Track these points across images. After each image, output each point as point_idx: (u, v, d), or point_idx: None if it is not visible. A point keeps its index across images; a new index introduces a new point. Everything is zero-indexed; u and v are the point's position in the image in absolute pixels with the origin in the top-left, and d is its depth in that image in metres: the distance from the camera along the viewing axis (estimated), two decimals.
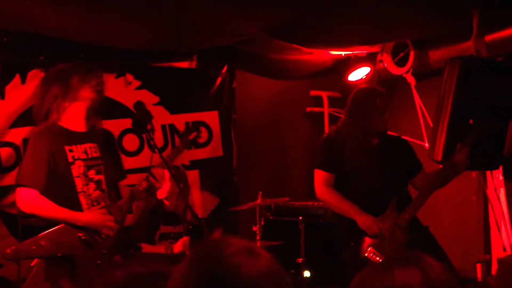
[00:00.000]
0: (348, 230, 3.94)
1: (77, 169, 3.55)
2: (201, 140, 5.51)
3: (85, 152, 3.62)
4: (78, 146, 3.60)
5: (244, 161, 5.74)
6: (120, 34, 4.87)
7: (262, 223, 4.77)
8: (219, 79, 5.66)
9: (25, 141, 4.73)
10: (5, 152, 4.67)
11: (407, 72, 5.53)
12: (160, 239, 4.47)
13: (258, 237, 4.70)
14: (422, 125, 5.50)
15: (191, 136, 3.84)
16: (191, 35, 4.97)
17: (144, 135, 3.53)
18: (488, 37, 4.63)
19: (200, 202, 5.42)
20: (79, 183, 3.54)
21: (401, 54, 5.56)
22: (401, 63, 5.59)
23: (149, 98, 5.17)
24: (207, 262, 1.26)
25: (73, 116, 3.66)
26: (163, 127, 5.30)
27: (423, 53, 5.40)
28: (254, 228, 4.74)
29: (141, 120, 3.53)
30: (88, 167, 3.60)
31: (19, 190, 3.50)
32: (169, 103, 5.40)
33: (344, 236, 3.99)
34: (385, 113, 4.05)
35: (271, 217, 4.94)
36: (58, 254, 3.50)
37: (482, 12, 4.38)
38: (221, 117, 5.62)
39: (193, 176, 5.32)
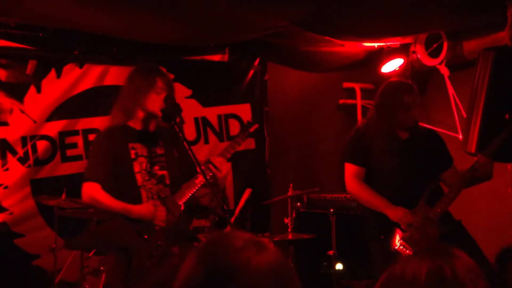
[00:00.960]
0: (378, 223, 3.92)
1: (139, 165, 3.62)
2: (234, 133, 5.56)
3: (149, 149, 3.68)
4: (142, 143, 3.66)
5: (277, 153, 5.75)
6: (153, 30, 4.92)
7: (294, 215, 4.78)
8: (251, 72, 5.68)
9: (60, 134, 4.84)
10: (42, 145, 4.78)
11: (440, 63, 5.46)
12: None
13: (289, 229, 4.71)
14: (456, 117, 5.44)
15: (252, 129, 3.82)
16: (222, 29, 4.99)
17: (175, 128, 3.53)
18: None
19: (233, 195, 5.46)
20: (139, 178, 3.61)
21: (435, 45, 5.50)
22: (434, 54, 5.52)
23: (182, 91, 5.22)
24: (217, 255, 1.26)
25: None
26: (196, 120, 5.36)
27: (457, 44, 5.33)
28: (286, 221, 4.75)
29: (170, 113, 3.55)
30: (152, 164, 3.66)
31: (84, 184, 3.60)
32: (202, 96, 5.45)
33: (374, 229, 3.97)
34: (413, 109, 3.97)
35: (302, 209, 4.94)
36: (115, 246, 3.58)
37: None
38: (253, 109, 5.65)
39: (225, 169, 5.36)
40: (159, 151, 3.69)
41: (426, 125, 4.46)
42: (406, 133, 4.03)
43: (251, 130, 3.81)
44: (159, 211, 3.53)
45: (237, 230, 1.35)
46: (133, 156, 3.60)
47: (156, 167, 3.65)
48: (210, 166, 3.59)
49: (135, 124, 3.65)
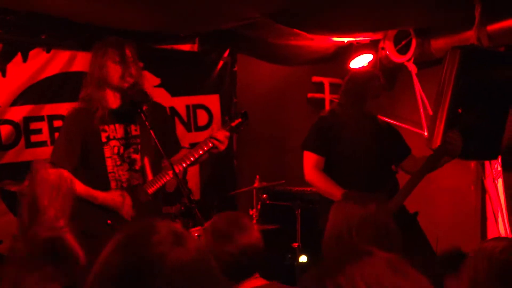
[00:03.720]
0: None
1: (110, 149, 3.55)
2: (202, 123, 5.54)
3: (125, 129, 3.61)
4: (115, 125, 3.58)
5: (244, 145, 5.76)
6: (123, 16, 4.87)
7: (259, 207, 4.79)
8: (220, 63, 5.66)
9: (25, 119, 4.77)
10: (6, 130, 4.69)
11: (408, 60, 5.53)
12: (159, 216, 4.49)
13: (254, 221, 4.73)
14: (422, 114, 5.51)
15: (234, 123, 3.78)
16: (193, 18, 4.97)
17: (142, 115, 3.49)
18: (490, 27, 4.62)
19: (198, 184, 5.45)
20: (109, 163, 3.54)
21: (403, 42, 5.56)
22: (403, 51, 5.58)
23: (150, 80, 5.18)
24: (134, 246, 1.22)
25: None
26: (164, 107, 5.31)
27: (425, 42, 5.39)
28: (251, 212, 4.77)
29: (137, 101, 3.52)
30: (126, 146, 3.59)
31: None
32: (170, 85, 5.41)
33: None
34: (379, 96, 4.06)
35: (268, 201, 4.96)
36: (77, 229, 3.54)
37: (484, 3, 4.38)
38: (222, 100, 5.63)
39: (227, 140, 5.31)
40: (135, 132, 3.64)
41: (386, 119, 4.52)
42: (368, 123, 4.09)
43: (233, 124, 3.77)
44: (126, 202, 3.49)
45: (159, 221, 1.29)
46: (104, 139, 3.55)
47: (131, 149, 3.61)
48: (213, 140, 3.57)
49: (109, 103, 3.59)
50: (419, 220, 4.08)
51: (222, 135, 3.62)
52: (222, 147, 3.66)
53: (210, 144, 3.61)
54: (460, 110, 3.99)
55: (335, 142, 4.05)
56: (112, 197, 3.50)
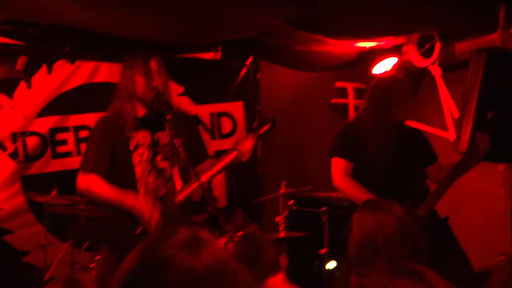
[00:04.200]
0: None
1: (138, 157, 3.56)
2: (226, 131, 5.55)
3: (153, 137, 3.62)
4: (144, 131, 3.60)
5: (269, 152, 5.74)
6: (145, 27, 4.89)
7: (286, 213, 4.76)
8: (243, 70, 5.66)
9: (51, 130, 4.81)
10: (32, 141, 4.74)
11: (433, 63, 5.48)
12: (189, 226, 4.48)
13: (281, 228, 4.70)
14: (448, 117, 5.45)
15: (262, 130, 3.75)
16: (214, 27, 4.97)
17: (166, 125, 3.49)
18: None
19: (224, 192, 5.45)
20: (138, 171, 3.56)
21: (427, 46, 5.51)
22: (427, 54, 5.53)
23: (174, 89, 5.19)
24: (151, 251, 1.22)
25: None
26: (191, 116, 5.32)
27: (449, 45, 5.34)
28: (278, 219, 4.74)
29: (160, 110, 3.53)
30: (155, 153, 3.61)
31: (80, 174, 3.56)
32: (194, 93, 5.43)
33: None
34: (406, 102, 4.01)
35: (294, 208, 4.92)
36: (108, 241, 3.57)
37: (509, 5, 4.32)
38: (246, 108, 5.64)
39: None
40: (163, 140, 3.65)
41: (412, 123, 4.47)
42: (395, 129, 4.05)
43: (261, 132, 3.74)
44: (154, 212, 3.48)
45: (176, 228, 1.27)
46: (131, 147, 3.56)
47: (159, 157, 3.61)
48: (236, 152, 3.56)
49: (137, 112, 3.61)
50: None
51: (246, 148, 3.61)
52: (244, 159, 3.65)
53: (232, 157, 3.60)
54: (490, 114, 3.94)
55: (361, 148, 4.02)
56: (140, 204, 3.49)
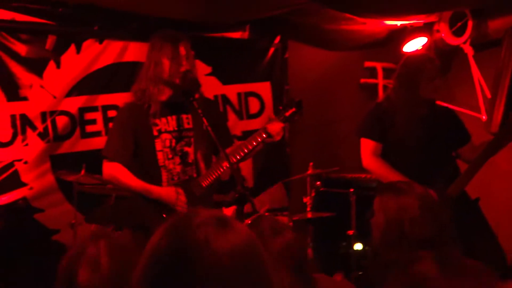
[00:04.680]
0: None
1: (161, 143, 3.56)
2: (253, 111, 5.52)
3: (178, 122, 3.61)
4: (167, 118, 3.59)
5: (297, 132, 5.71)
6: (173, 5, 4.87)
7: (313, 194, 4.75)
8: (271, 50, 5.62)
9: (80, 110, 4.84)
10: (62, 120, 4.77)
11: (465, 42, 5.36)
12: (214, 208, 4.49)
13: (308, 208, 4.69)
14: (480, 97, 5.35)
15: (288, 113, 3.70)
16: (243, 5, 4.93)
17: (194, 103, 3.46)
18: None
19: (251, 172, 5.44)
20: (161, 157, 3.56)
21: (459, 24, 5.39)
22: (459, 33, 5.42)
23: (201, 69, 5.17)
24: (178, 232, 1.22)
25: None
26: (216, 97, 5.31)
27: (481, 23, 5.21)
28: (305, 200, 4.72)
29: (188, 89, 3.50)
30: (178, 139, 3.60)
31: (104, 162, 3.58)
32: (222, 73, 5.41)
33: None
34: (435, 80, 3.93)
35: (322, 189, 4.90)
36: (133, 223, 3.58)
37: None
38: (274, 88, 5.60)
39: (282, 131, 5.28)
40: (187, 125, 3.63)
41: (443, 103, 4.39)
42: (425, 109, 3.98)
43: (287, 114, 3.69)
44: (180, 196, 3.49)
45: (200, 209, 1.28)
46: (155, 133, 3.55)
47: (182, 143, 3.60)
48: (269, 132, 3.53)
49: (161, 95, 3.59)
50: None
51: (279, 127, 3.56)
52: (277, 138, 3.60)
53: (264, 135, 3.56)
54: None
55: (390, 128, 3.97)
56: (167, 192, 3.50)
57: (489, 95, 5.03)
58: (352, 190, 4.64)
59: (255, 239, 1.25)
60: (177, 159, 3.58)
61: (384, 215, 2.58)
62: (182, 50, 3.54)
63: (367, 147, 3.98)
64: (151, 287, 1.18)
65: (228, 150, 3.57)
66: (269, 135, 3.53)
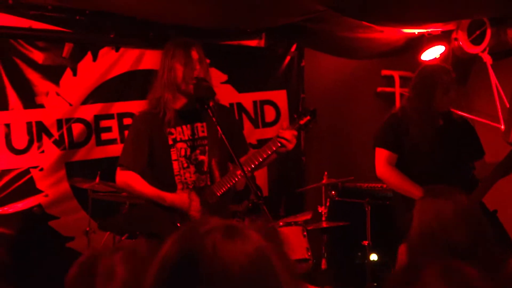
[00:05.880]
0: (409, 209, 3.82)
1: (176, 152, 3.55)
2: (269, 119, 5.50)
3: (192, 130, 3.60)
4: (182, 127, 3.59)
5: (312, 141, 5.68)
6: (190, 13, 4.88)
7: (328, 204, 4.71)
8: (287, 58, 5.60)
9: (96, 117, 4.85)
10: (77, 128, 4.79)
11: (483, 51, 5.30)
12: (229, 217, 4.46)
13: (323, 218, 4.65)
14: (498, 107, 5.28)
15: (303, 121, 3.67)
16: (259, 13, 4.92)
17: (209, 111, 3.45)
18: None
19: (266, 181, 5.41)
20: (176, 166, 3.55)
21: (478, 32, 5.34)
22: (477, 41, 5.36)
23: (217, 77, 5.17)
24: (187, 238, 1.21)
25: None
26: (231, 105, 5.29)
27: (500, 31, 5.16)
28: (320, 209, 4.69)
29: (202, 97, 3.49)
30: (193, 148, 3.59)
31: (118, 170, 3.58)
32: (237, 81, 5.40)
33: (405, 215, 3.88)
34: (451, 91, 3.90)
35: (337, 198, 4.87)
36: (147, 231, 3.58)
37: None
38: (290, 96, 5.58)
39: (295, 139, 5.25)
40: (202, 133, 3.62)
41: (461, 113, 4.35)
42: (441, 120, 3.94)
43: (301, 122, 3.66)
44: (194, 202, 3.48)
45: (210, 217, 1.28)
46: (170, 142, 3.54)
47: (197, 151, 3.59)
48: (281, 140, 3.50)
49: (176, 103, 3.58)
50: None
51: (290, 134, 3.52)
52: (290, 146, 3.56)
53: (278, 144, 3.53)
54: None
55: (404, 137, 3.94)
56: (180, 198, 3.48)
57: (507, 104, 4.96)
58: (367, 199, 4.60)
59: (267, 249, 1.23)
60: (192, 168, 3.57)
61: (419, 219, 2.53)
62: (195, 55, 3.54)
63: (381, 157, 3.96)
64: None
65: (242, 159, 3.55)
66: (282, 144, 3.50)
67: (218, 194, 3.53)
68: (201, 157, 3.60)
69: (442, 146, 3.91)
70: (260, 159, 3.52)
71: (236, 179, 3.51)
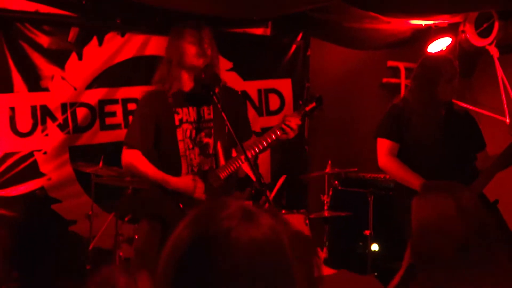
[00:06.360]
0: (410, 200, 3.82)
1: (182, 132, 3.56)
2: (273, 108, 5.49)
3: (198, 112, 3.61)
4: (188, 108, 3.59)
5: (316, 130, 5.67)
6: (196, 0, 4.86)
7: (331, 193, 4.71)
8: (293, 47, 5.59)
9: (100, 102, 4.85)
10: (82, 112, 4.80)
11: (490, 43, 5.27)
12: None
13: (326, 207, 4.65)
14: (504, 100, 5.26)
15: (308, 108, 3.69)
16: (267, 2, 4.90)
17: (214, 98, 3.46)
18: None
19: (269, 169, 5.42)
20: (181, 147, 3.56)
21: (485, 25, 5.31)
22: (484, 34, 5.33)
23: (222, 64, 5.13)
24: (202, 222, 1.20)
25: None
26: (238, 92, 5.29)
27: (508, 24, 5.13)
28: (322, 198, 4.69)
29: (208, 83, 3.49)
30: (198, 129, 3.60)
31: (124, 149, 3.59)
32: (243, 69, 5.39)
33: (406, 205, 3.87)
34: (453, 81, 3.88)
35: (339, 188, 4.87)
36: (150, 213, 3.59)
37: None
38: (294, 85, 5.57)
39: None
40: (208, 115, 3.63)
41: (463, 104, 4.33)
42: (443, 110, 3.93)
43: (307, 109, 3.67)
44: (198, 186, 3.48)
45: (229, 199, 1.27)
46: (177, 122, 3.55)
47: (202, 134, 3.59)
48: (285, 127, 3.52)
49: (183, 86, 3.59)
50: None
51: (294, 122, 3.53)
52: (292, 134, 3.57)
53: (279, 132, 3.54)
54: None
55: (406, 128, 3.93)
56: (184, 181, 3.49)
57: None
58: (370, 189, 4.60)
59: (280, 235, 1.23)
60: (197, 150, 3.58)
61: (417, 216, 2.51)
62: (205, 35, 3.54)
63: (383, 147, 3.96)
64: (173, 275, 1.17)
65: (247, 143, 3.56)
66: (283, 132, 3.51)
67: (222, 178, 3.54)
68: (206, 140, 3.61)
69: (444, 137, 3.91)
70: (260, 147, 3.54)
71: (240, 163, 3.52)
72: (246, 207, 1.23)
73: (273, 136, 3.55)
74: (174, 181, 3.49)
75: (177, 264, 1.17)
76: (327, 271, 2.63)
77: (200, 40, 3.52)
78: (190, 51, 3.52)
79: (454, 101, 4.13)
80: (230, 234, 1.16)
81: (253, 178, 3.40)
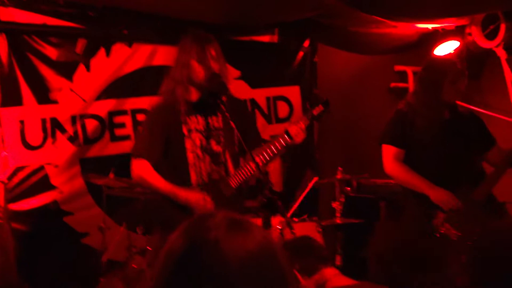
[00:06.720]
0: (419, 205, 3.81)
1: (191, 142, 3.56)
2: (282, 115, 5.49)
3: (206, 121, 3.61)
4: (196, 117, 3.59)
5: (326, 136, 5.66)
6: (202, 8, 4.87)
7: (342, 200, 4.69)
8: (300, 53, 5.59)
9: (109, 113, 4.85)
10: (91, 124, 4.80)
11: (497, 45, 5.26)
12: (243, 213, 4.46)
13: (338, 214, 4.64)
14: None
15: (316, 111, 3.69)
16: (273, 8, 4.90)
17: (222, 106, 3.46)
18: None
19: (280, 176, 5.41)
20: (190, 156, 3.56)
21: (492, 27, 5.29)
22: (491, 36, 5.32)
23: (230, 72, 5.15)
24: (194, 231, 1.23)
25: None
26: (244, 101, 5.29)
27: None
28: (334, 205, 4.68)
29: (215, 92, 3.50)
30: (208, 137, 3.60)
31: (133, 160, 3.59)
32: (250, 77, 5.39)
33: (414, 210, 3.87)
34: (457, 82, 3.85)
35: (351, 194, 4.85)
36: (161, 222, 3.59)
37: None
38: (303, 92, 5.57)
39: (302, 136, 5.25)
40: (217, 124, 3.63)
41: (468, 106, 4.31)
42: (448, 112, 3.92)
43: (315, 112, 3.68)
44: (207, 205, 3.47)
45: (218, 210, 1.34)
46: (185, 132, 3.55)
47: (212, 142, 3.59)
48: (286, 136, 3.52)
49: (190, 96, 3.59)
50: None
51: (295, 129, 3.54)
52: (297, 140, 3.58)
53: (282, 142, 3.54)
54: None
55: (411, 132, 3.91)
56: (194, 197, 3.48)
57: None
58: (382, 196, 4.59)
59: (272, 245, 1.25)
60: (207, 158, 3.58)
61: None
62: (211, 52, 3.54)
63: (389, 154, 3.95)
64: (165, 284, 1.20)
65: (258, 151, 3.56)
66: (290, 137, 3.51)
67: (234, 186, 3.53)
68: (216, 148, 3.61)
69: (449, 139, 3.89)
70: (271, 154, 3.53)
71: (252, 172, 3.51)
72: (235, 218, 1.25)
73: (282, 142, 3.54)
74: (184, 195, 3.49)
75: (170, 272, 1.21)
76: (344, 281, 2.60)
77: (206, 57, 3.53)
78: (198, 71, 3.53)
79: (459, 102, 4.11)
80: (218, 243, 1.18)
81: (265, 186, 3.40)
